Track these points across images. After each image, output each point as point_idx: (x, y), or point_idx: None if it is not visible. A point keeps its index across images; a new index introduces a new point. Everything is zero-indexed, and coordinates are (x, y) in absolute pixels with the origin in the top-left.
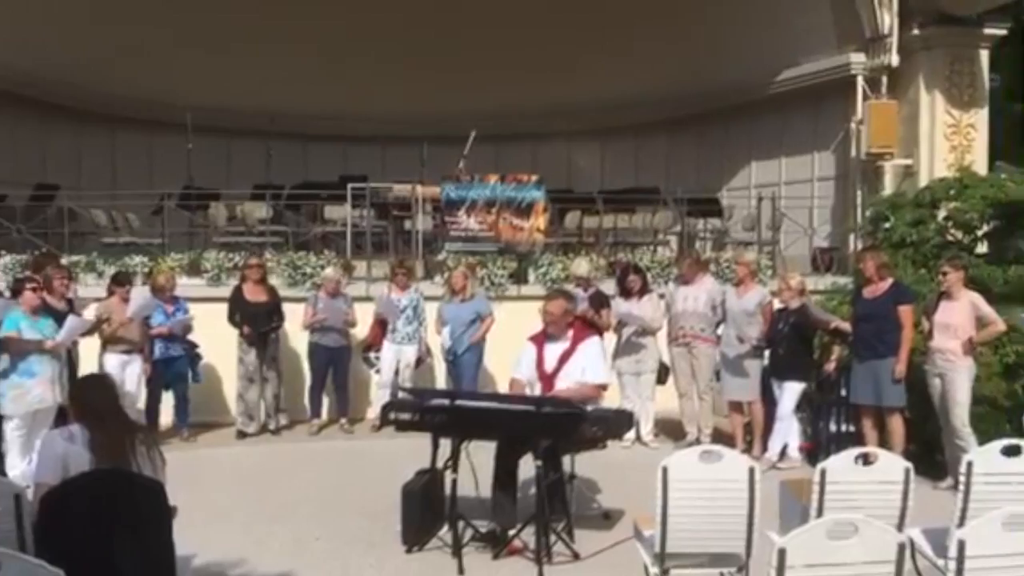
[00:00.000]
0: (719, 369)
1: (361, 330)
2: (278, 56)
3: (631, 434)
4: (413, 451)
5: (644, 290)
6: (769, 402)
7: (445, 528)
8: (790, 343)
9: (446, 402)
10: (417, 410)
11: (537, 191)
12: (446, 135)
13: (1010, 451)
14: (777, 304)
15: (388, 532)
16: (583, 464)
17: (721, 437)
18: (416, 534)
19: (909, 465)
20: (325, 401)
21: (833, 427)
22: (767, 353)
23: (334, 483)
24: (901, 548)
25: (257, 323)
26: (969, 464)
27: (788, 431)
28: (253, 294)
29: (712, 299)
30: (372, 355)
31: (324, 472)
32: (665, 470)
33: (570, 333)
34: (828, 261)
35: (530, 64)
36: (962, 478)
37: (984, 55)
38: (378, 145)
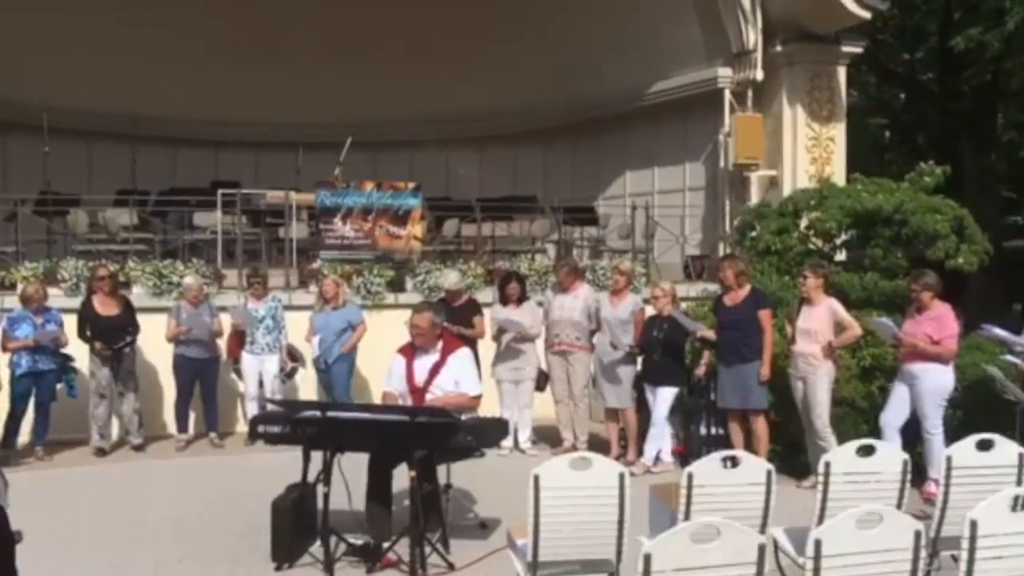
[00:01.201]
0: (595, 376)
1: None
2: (144, 57)
3: (509, 442)
4: (284, 465)
5: (522, 298)
6: (643, 408)
7: (317, 543)
8: (664, 349)
9: (317, 414)
10: (287, 422)
11: (414, 199)
12: (322, 141)
13: (865, 451)
14: (650, 311)
15: (257, 550)
16: (460, 473)
17: (597, 443)
18: (286, 551)
19: (771, 467)
20: (192, 415)
21: (704, 430)
22: (640, 359)
23: (200, 500)
24: (761, 549)
25: (109, 338)
26: (827, 464)
27: (662, 436)
28: (104, 307)
29: (588, 307)
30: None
31: (190, 489)
32: (537, 478)
33: (440, 345)
34: (699, 268)
35: (408, 72)
36: (820, 478)
37: (842, 72)
38: (252, 151)
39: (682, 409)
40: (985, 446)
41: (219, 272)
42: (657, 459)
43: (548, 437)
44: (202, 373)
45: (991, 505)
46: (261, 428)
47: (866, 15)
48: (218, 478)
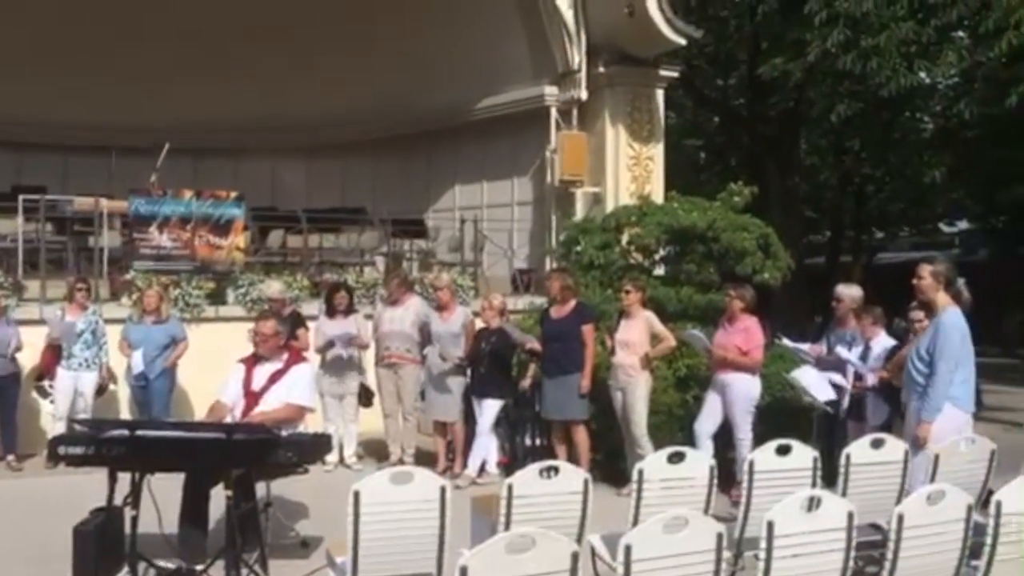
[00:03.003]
0: (424, 389)
1: (32, 356)
2: None
3: (334, 457)
4: (90, 488)
5: (350, 309)
6: (471, 420)
7: (125, 570)
8: (491, 361)
9: (125, 433)
10: (92, 443)
11: (236, 208)
12: (138, 146)
13: (676, 458)
14: (479, 323)
15: None
16: (283, 490)
17: (425, 456)
18: None
19: (588, 476)
20: None
21: (529, 441)
22: (469, 372)
23: None
24: (574, 557)
25: None
26: (640, 471)
27: (488, 447)
28: None
29: (418, 319)
30: (46, 383)
31: None
32: (356, 494)
33: (285, 356)
34: (527, 282)
35: (232, 76)
36: (634, 485)
37: (660, 94)
38: (60, 154)
39: (507, 420)
40: (784, 451)
41: (19, 283)
42: (483, 470)
43: (374, 451)
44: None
45: (786, 506)
46: (63, 450)
47: (681, 41)
48: (14, 503)
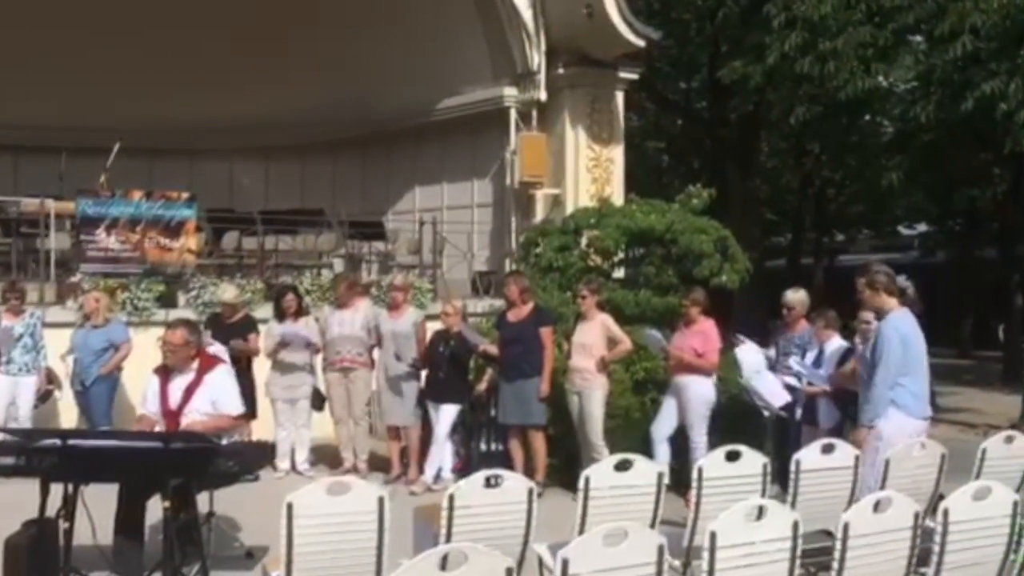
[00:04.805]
0: (378, 393)
1: None
2: None
3: (285, 464)
4: (22, 500)
5: (300, 312)
6: (428, 425)
7: None
8: (448, 366)
9: (57, 442)
10: (22, 453)
11: (188, 209)
12: (91, 146)
13: (624, 465)
14: (439, 326)
15: None
16: (231, 499)
17: (379, 462)
18: None
19: (532, 485)
20: None
21: (484, 446)
22: (424, 375)
23: None
24: (508, 572)
25: None
26: (586, 479)
27: (443, 453)
28: None
29: (368, 323)
30: None
31: None
32: (290, 507)
33: (195, 364)
34: (487, 284)
35: (188, 75)
36: (580, 493)
37: (620, 96)
38: (10, 154)
39: (463, 425)
40: (733, 457)
41: None
42: (438, 477)
43: (327, 457)
44: None
45: (731, 515)
46: None
47: (640, 43)
48: None
